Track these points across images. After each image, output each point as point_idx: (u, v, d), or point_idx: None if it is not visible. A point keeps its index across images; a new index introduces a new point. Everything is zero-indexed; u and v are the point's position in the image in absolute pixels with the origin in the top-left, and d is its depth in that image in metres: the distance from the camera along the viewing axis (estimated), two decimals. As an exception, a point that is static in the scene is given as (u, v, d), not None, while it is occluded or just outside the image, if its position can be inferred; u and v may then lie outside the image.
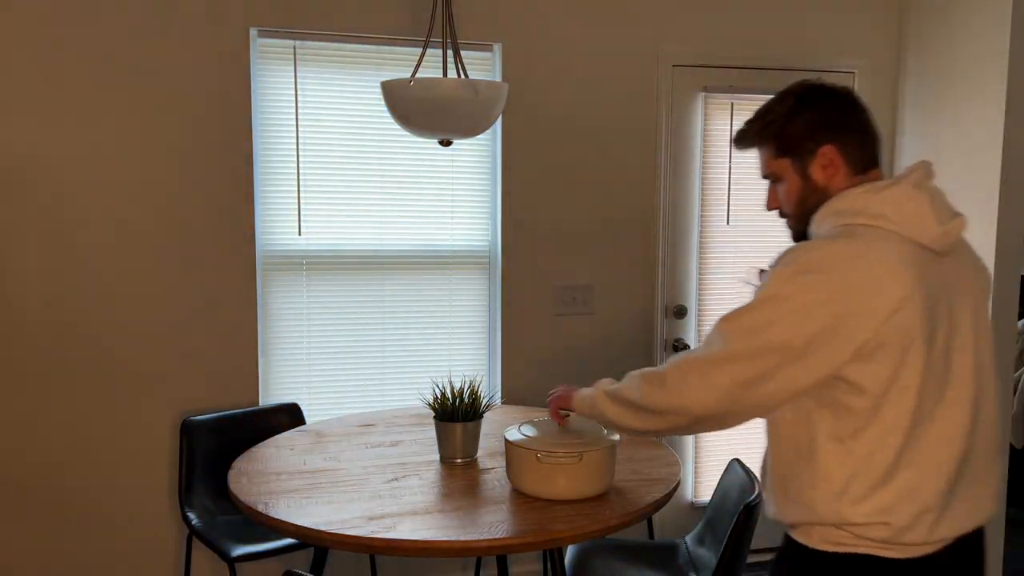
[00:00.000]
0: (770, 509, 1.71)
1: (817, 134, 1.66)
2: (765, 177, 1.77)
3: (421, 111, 2.58)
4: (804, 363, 1.52)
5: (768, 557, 3.92)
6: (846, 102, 1.69)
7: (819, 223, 1.66)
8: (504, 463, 2.27)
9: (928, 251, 1.57)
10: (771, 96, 1.77)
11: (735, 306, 1.60)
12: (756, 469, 2.75)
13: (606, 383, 1.85)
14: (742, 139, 1.79)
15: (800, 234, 1.74)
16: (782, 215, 1.76)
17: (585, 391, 1.91)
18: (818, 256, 1.54)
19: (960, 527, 1.61)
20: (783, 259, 1.58)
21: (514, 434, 2.20)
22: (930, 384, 1.56)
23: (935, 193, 1.62)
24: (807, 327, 1.50)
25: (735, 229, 3.64)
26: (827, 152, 1.65)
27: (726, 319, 1.58)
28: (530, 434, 2.16)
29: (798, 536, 1.64)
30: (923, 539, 1.56)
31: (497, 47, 3.32)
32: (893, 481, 1.55)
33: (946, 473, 1.58)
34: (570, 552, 2.69)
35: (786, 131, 1.69)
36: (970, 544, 1.65)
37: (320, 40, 3.17)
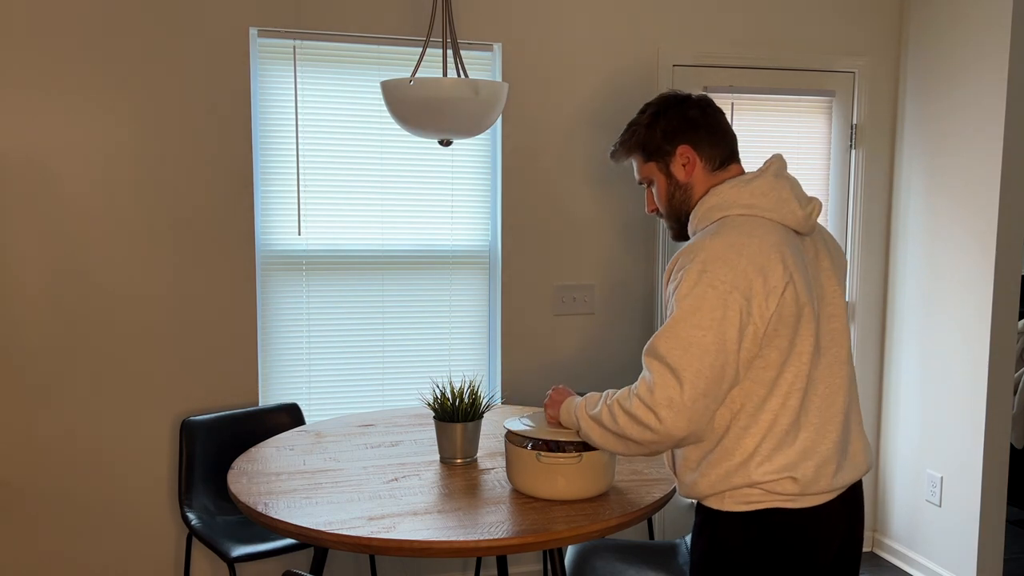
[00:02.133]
0: (683, 488, 1.90)
1: (674, 137, 1.89)
2: (640, 183, 1.99)
3: (421, 111, 2.58)
4: (740, 352, 1.70)
5: (768, 557, 3.91)
6: (698, 107, 1.92)
7: (698, 221, 1.86)
8: (504, 463, 2.27)
9: (794, 233, 1.82)
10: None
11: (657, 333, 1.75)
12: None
13: (591, 401, 1.90)
14: (615, 154, 2.00)
15: (678, 232, 1.96)
16: (659, 216, 1.98)
17: (572, 404, 1.97)
18: (709, 254, 1.72)
19: (851, 477, 1.83)
20: (678, 267, 1.76)
21: (516, 424, 2.16)
22: (815, 348, 1.77)
23: (793, 181, 1.89)
24: (729, 319, 1.68)
25: (735, 229, 3.63)
26: (684, 151, 1.89)
27: (660, 344, 1.72)
28: (530, 433, 2.12)
29: (712, 504, 1.83)
30: (826, 488, 1.77)
31: (497, 47, 3.31)
32: (796, 440, 1.75)
33: (837, 426, 1.79)
34: (570, 552, 2.69)
35: (648, 137, 1.91)
36: (855, 491, 1.89)
37: (320, 40, 3.17)
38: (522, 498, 2.20)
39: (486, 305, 3.46)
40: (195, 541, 3.03)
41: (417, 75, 2.64)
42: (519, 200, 3.38)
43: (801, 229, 1.83)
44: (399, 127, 2.91)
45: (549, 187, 3.41)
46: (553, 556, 2.24)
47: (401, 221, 3.33)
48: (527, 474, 2.14)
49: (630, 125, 1.96)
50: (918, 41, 3.62)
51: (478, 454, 2.55)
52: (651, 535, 3.25)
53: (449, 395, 2.46)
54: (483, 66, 3.33)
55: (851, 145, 3.71)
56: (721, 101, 3.53)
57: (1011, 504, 4.06)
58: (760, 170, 1.88)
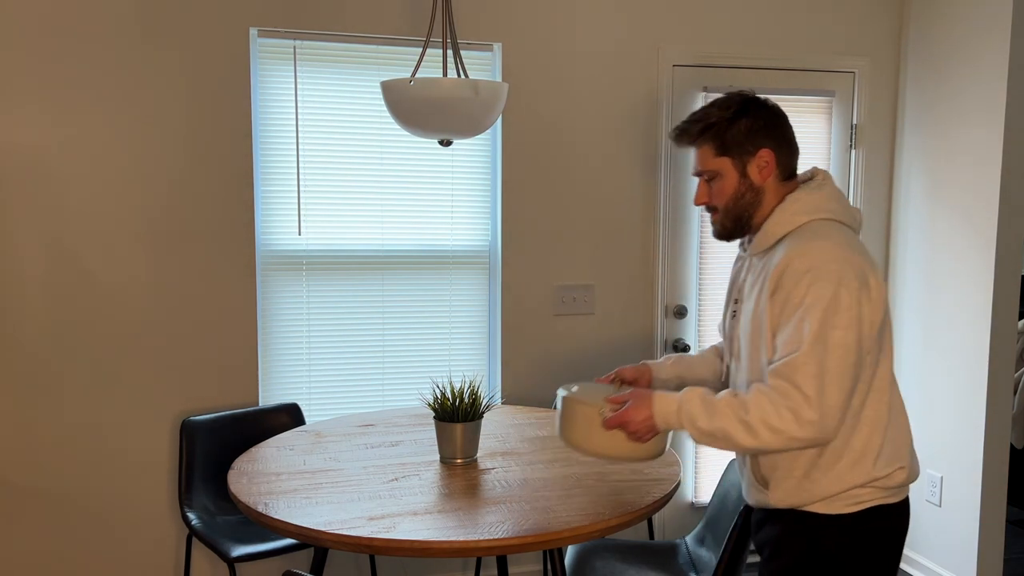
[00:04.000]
0: (777, 495, 1.86)
1: (756, 138, 1.86)
2: (699, 174, 1.93)
3: (421, 111, 2.58)
4: (868, 351, 1.75)
5: (768, 557, 3.91)
6: (780, 116, 1.92)
7: (780, 225, 1.84)
8: (505, 464, 2.27)
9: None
10: (766, 95, 1.96)
11: (794, 329, 1.73)
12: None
13: (700, 411, 1.78)
14: (683, 136, 1.93)
15: (730, 232, 1.92)
16: (710, 210, 1.94)
17: (674, 410, 1.82)
18: (830, 256, 1.73)
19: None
20: (792, 271, 1.73)
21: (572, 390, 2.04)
22: (892, 346, 1.85)
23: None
24: (864, 317, 1.72)
25: (735, 229, 3.63)
26: (764, 154, 1.87)
27: (809, 351, 1.68)
28: (588, 395, 1.99)
29: (818, 509, 1.82)
30: (916, 477, 1.88)
31: (497, 47, 3.32)
32: (897, 434, 1.83)
33: (907, 422, 1.88)
34: (570, 552, 2.69)
35: (730, 132, 1.86)
36: None
37: (320, 40, 3.17)
38: (522, 498, 2.21)
39: (486, 305, 3.46)
40: (195, 541, 3.03)
41: (417, 75, 2.64)
42: (519, 200, 3.38)
43: (858, 232, 1.92)
44: (399, 127, 2.91)
45: (549, 187, 3.41)
46: (553, 556, 2.24)
47: (401, 221, 3.33)
48: (590, 432, 1.94)
49: (704, 114, 1.89)
50: (918, 41, 3.62)
51: (478, 454, 2.56)
52: (651, 535, 3.25)
53: (449, 395, 2.46)
54: (483, 66, 3.33)
55: (851, 145, 3.71)
56: (721, 101, 3.57)
57: (1011, 504, 4.06)
58: (819, 180, 1.90)
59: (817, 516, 1.83)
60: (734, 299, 1.99)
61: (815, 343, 1.67)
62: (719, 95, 1.99)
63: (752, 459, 1.90)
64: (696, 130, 1.89)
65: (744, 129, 1.86)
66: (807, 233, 1.79)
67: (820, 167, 1.95)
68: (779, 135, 1.90)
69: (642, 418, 1.84)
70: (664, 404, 1.83)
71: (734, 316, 1.98)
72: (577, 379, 3.45)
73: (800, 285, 1.72)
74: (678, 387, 1.95)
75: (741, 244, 2.02)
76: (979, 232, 3.30)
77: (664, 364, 2.24)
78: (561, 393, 2.02)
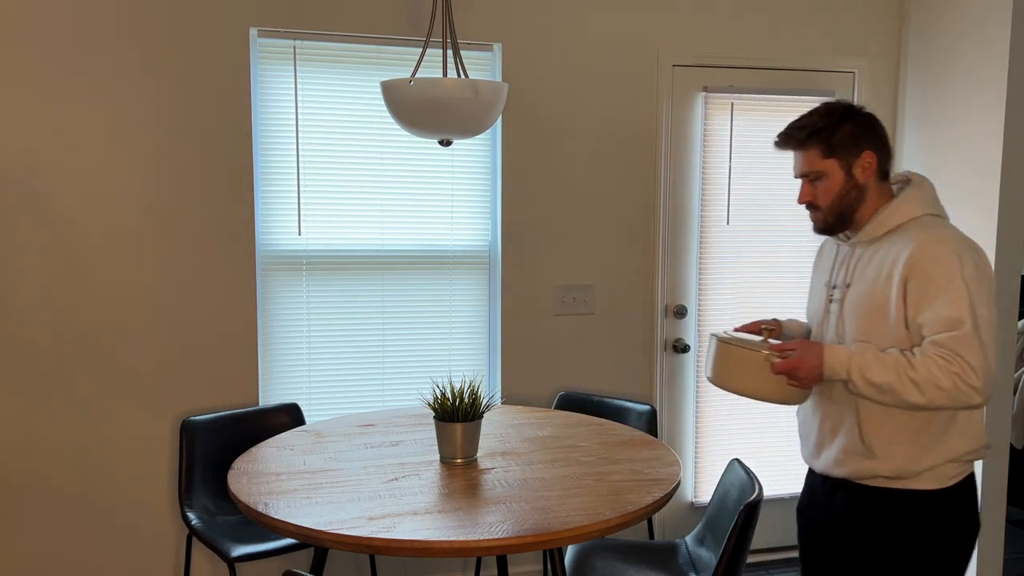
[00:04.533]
0: (887, 466, 1.99)
1: (861, 141, 2.03)
2: (803, 176, 2.08)
3: (421, 111, 2.58)
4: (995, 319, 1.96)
5: (768, 557, 3.94)
6: (878, 121, 2.08)
7: (893, 219, 2.03)
8: (505, 464, 2.27)
9: None
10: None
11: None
12: (755, 468, 2.75)
13: (874, 365, 1.94)
14: (789, 141, 2.09)
15: (832, 227, 2.08)
16: (812, 208, 2.09)
17: (846, 354, 1.96)
18: (961, 244, 1.94)
19: None
20: (942, 254, 1.92)
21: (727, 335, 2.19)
22: None
23: None
24: (994, 298, 1.95)
25: (735, 229, 3.64)
26: (868, 156, 2.03)
27: (976, 328, 1.89)
28: (744, 343, 2.11)
29: (922, 484, 1.98)
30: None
31: (497, 47, 3.32)
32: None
33: None
34: (570, 552, 2.69)
35: (835, 136, 2.03)
36: None
37: (320, 40, 3.17)
38: (522, 498, 2.21)
39: (486, 305, 3.46)
40: (195, 541, 3.03)
41: (417, 75, 2.64)
42: (519, 200, 3.38)
43: None
44: (399, 127, 2.91)
45: (549, 187, 3.41)
46: (553, 556, 2.25)
47: (401, 221, 3.33)
48: (758, 376, 2.06)
49: (810, 121, 2.06)
50: (918, 41, 3.62)
51: (478, 454, 2.56)
52: (651, 535, 3.25)
53: (449, 395, 2.46)
54: (483, 66, 3.33)
55: (851, 145, 3.71)
56: (721, 101, 3.57)
57: (1011, 504, 4.06)
58: (918, 180, 2.10)
59: (914, 492, 2.00)
60: (833, 285, 2.14)
61: (970, 318, 1.88)
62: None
63: (857, 427, 2.03)
64: (803, 135, 2.05)
65: (849, 133, 2.02)
66: (927, 225, 1.99)
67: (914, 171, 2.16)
68: (879, 139, 2.06)
69: (812, 366, 1.97)
70: (835, 354, 1.97)
71: (831, 300, 2.13)
72: (577, 379, 3.46)
73: (944, 268, 1.90)
74: None
75: (836, 236, 2.17)
76: (979, 232, 3.30)
77: (790, 323, 2.36)
78: (719, 336, 2.15)
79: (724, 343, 2.12)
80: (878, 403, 1.96)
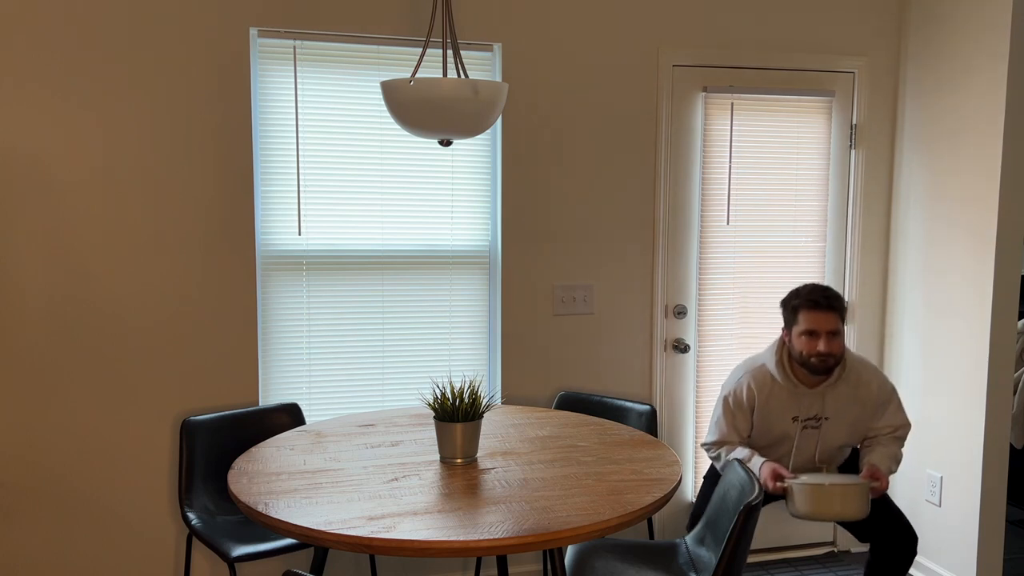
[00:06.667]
0: None
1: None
2: (832, 332, 2.90)
3: (421, 111, 2.58)
4: None
5: (768, 557, 3.95)
6: None
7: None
8: (505, 464, 2.27)
9: None
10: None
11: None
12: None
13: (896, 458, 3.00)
14: (834, 304, 2.92)
15: (831, 367, 2.96)
16: (830, 357, 2.91)
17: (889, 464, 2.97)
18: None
19: None
20: (891, 396, 3.06)
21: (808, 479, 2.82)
22: None
23: None
24: None
25: (735, 229, 3.64)
26: None
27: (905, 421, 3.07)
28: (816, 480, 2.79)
29: None
30: None
31: (497, 47, 3.32)
32: None
33: None
34: (570, 552, 2.69)
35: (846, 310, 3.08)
36: None
37: (320, 40, 3.17)
38: (522, 498, 2.21)
39: (486, 305, 3.46)
40: (195, 541, 3.03)
41: (417, 75, 2.64)
42: (519, 200, 3.38)
43: None
44: (399, 127, 2.91)
45: (549, 187, 3.41)
46: (553, 556, 2.25)
47: (401, 221, 3.33)
48: (860, 503, 2.76)
49: (836, 297, 2.91)
50: (918, 41, 3.62)
51: (478, 454, 2.56)
52: (651, 535, 3.25)
53: (449, 395, 2.46)
54: (483, 66, 3.34)
55: (851, 145, 3.71)
56: (721, 101, 3.57)
57: (1011, 504, 4.06)
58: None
59: None
60: (808, 418, 2.98)
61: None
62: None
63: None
64: (840, 304, 2.90)
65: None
66: (858, 366, 3.01)
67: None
68: None
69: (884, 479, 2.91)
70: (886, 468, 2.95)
71: (805, 428, 2.98)
72: (577, 379, 3.46)
73: (889, 390, 3.03)
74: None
75: (790, 378, 2.95)
76: (979, 232, 3.30)
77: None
78: (818, 481, 2.76)
79: (834, 487, 2.74)
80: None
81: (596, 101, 3.42)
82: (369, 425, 2.88)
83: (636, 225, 3.51)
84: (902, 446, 3.01)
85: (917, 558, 3.66)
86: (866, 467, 2.90)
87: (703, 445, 3.11)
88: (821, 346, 2.84)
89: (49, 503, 3.06)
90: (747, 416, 2.99)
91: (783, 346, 2.98)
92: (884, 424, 3.00)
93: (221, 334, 3.15)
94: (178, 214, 3.07)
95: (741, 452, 2.94)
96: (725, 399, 3.02)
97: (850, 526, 3.04)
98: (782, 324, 2.98)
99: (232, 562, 2.64)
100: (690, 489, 3.71)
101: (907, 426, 3.02)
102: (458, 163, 3.36)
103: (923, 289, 3.58)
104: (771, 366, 2.97)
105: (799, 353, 2.90)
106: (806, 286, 2.95)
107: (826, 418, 2.97)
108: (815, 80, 3.64)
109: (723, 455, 2.99)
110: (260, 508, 2.14)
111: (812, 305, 2.87)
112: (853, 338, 3.79)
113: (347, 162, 3.25)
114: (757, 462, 2.89)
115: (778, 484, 2.81)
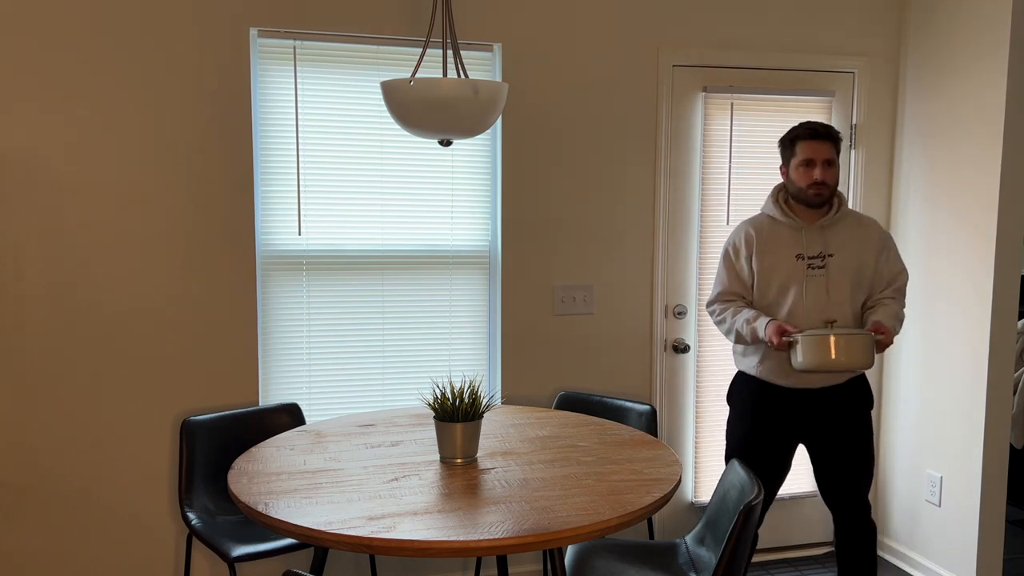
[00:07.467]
0: None
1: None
2: (827, 161, 2.87)
3: (421, 111, 2.58)
4: None
5: (768, 557, 3.94)
6: None
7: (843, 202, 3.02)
8: (505, 464, 2.27)
9: None
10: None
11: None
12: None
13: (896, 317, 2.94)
14: (829, 133, 2.90)
15: (826, 199, 2.91)
16: (824, 185, 2.86)
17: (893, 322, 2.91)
18: None
19: None
20: (887, 237, 3.03)
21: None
22: None
23: None
24: None
25: (735, 229, 3.63)
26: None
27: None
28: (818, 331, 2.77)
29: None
30: None
31: (497, 47, 3.32)
32: None
33: None
34: (570, 552, 2.69)
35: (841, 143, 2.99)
36: None
37: (320, 40, 3.17)
38: (522, 498, 2.21)
39: (486, 305, 3.46)
40: (195, 541, 3.03)
41: (417, 75, 2.64)
42: (519, 200, 3.38)
43: None
44: (399, 127, 2.91)
45: (549, 187, 3.41)
46: (553, 556, 2.25)
47: (401, 221, 3.33)
48: (866, 353, 2.75)
49: (831, 126, 2.92)
50: (918, 41, 3.62)
51: (478, 454, 2.56)
52: (651, 535, 3.25)
53: (449, 395, 2.46)
54: (483, 66, 3.34)
55: (851, 145, 3.71)
56: (721, 101, 3.57)
57: (1011, 504, 4.06)
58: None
59: None
60: (813, 256, 2.91)
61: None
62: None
63: None
64: (835, 133, 2.91)
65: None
66: (856, 212, 3.06)
67: None
68: None
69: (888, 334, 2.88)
70: (890, 322, 2.89)
71: (811, 269, 2.90)
72: (577, 379, 3.46)
73: (887, 235, 3.02)
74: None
75: (788, 216, 2.94)
76: (979, 231, 3.30)
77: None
78: (825, 332, 2.73)
79: (838, 336, 2.73)
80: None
81: (596, 101, 3.42)
82: (369, 425, 2.88)
83: (636, 225, 3.51)
84: (903, 304, 2.96)
85: (918, 558, 3.66)
86: (870, 323, 2.86)
87: (707, 307, 3.11)
88: (817, 174, 2.84)
89: (49, 503, 3.06)
90: (748, 264, 2.98)
91: (780, 188, 3.00)
92: (885, 271, 2.96)
93: (221, 334, 3.15)
94: (178, 214, 3.07)
95: (747, 312, 2.93)
96: (726, 251, 3.03)
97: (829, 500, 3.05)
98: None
99: (232, 562, 2.64)
100: (690, 489, 3.72)
101: (905, 272, 2.99)
102: (458, 163, 3.36)
103: (923, 288, 3.58)
104: (769, 209, 2.99)
105: (797, 188, 2.90)
106: (803, 122, 2.97)
107: (830, 255, 2.91)
108: (815, 80, 3.64)
109: (728, 317, 2.98)
110: (260, 508, 2.14)
111: (811, 134, 2.87)
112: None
113: (347, 162, 3.25)
114: (763, 322, 2.87)
115: (784, 339, 2.78)
